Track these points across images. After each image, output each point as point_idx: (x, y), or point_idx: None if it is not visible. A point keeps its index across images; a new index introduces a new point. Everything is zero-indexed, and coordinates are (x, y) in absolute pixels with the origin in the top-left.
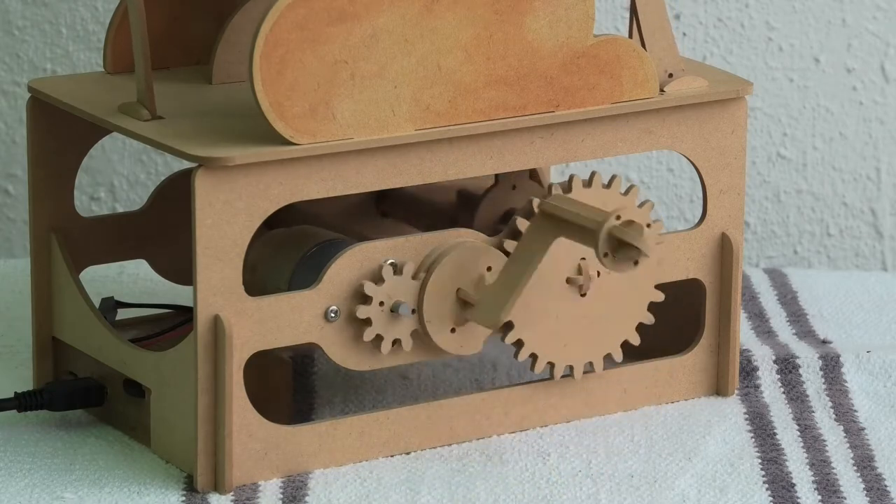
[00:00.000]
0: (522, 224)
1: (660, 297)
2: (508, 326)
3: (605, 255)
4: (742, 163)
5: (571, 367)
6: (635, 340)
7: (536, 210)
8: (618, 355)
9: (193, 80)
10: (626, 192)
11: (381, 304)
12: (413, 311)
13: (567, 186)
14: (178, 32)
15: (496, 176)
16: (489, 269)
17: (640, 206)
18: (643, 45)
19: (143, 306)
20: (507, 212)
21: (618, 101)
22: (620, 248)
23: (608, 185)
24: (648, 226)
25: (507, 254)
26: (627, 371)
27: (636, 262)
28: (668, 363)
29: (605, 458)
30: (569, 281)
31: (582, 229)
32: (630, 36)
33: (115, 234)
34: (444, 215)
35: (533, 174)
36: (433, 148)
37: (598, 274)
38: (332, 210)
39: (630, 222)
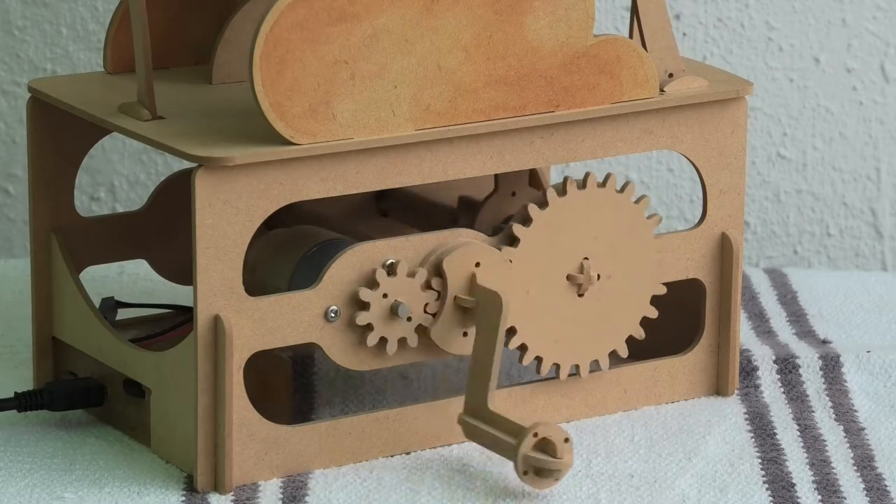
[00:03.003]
0: (519, 230)
1: (653, 312)
2: (511, 331)
3: (525, 473)
4: (742, 163)
5: (567, 365)
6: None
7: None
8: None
9: (193, 80)
10: (622, 190)
11: (381, 304)
12: (409, 319)
13: (561, 189)
14: (178, 32)
15: (496, 182)
16: (477, 264)
17: (637, 201)
18: (644, 44)
19: (143, 306)
20: (507, 218)
21: (618, 101)
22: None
23: (603, 184)
24: (566, 440)
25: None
26: (627, 371)
27: (557, 479)
28: (668, 363)
29: (605, 458)
30: (569, 279)
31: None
32: (630, 36)
33: (115, 234)
34: (445, 219)
35: (533, 175)
36: (433, 148)
37: (598, 277)
38: (332, 210)
39: (545, 440)
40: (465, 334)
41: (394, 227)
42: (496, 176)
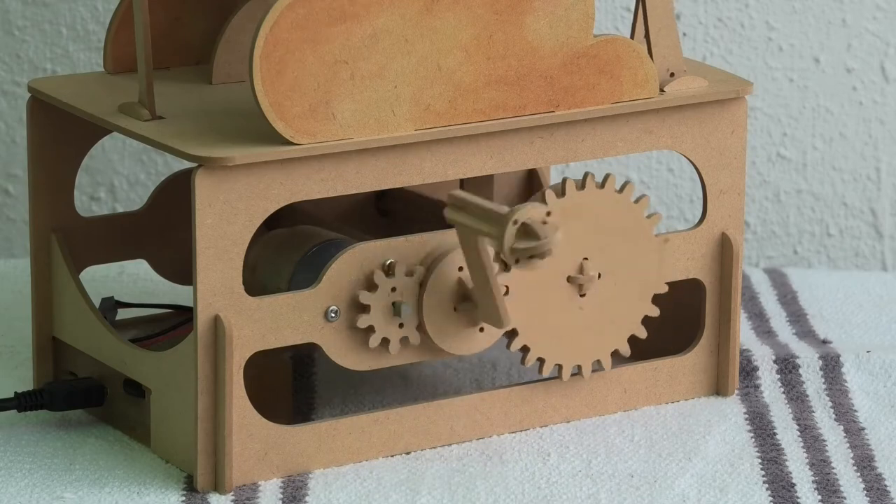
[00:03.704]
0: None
1: (655, 311)
2: (513, 333)
3: (517, 260)
4: (742, 163)
5: (569, 366)
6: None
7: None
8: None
9: (193, 80)
10: (621, 190)
11: (381, 304)
12: (412, 313)
13: (560, 190)
14: (178, 32)
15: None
16: (460, 269)
17: (637, 201)
18: (648, 41)
19: (143, 306)
20: None
21: (618, 101)
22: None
23: (601, 185)
24: (544, 222)
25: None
26: (627, 371)
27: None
28: (668, 363)
29: (605, 458)
30: (569, 280)
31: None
32: (631, 36)
33: (115, 234)
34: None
35: (532, 175)
36: (433, 148)
37: (599, 276)
38: (332, 210)
39: (525, 227)
40: (453, 330)
41: (394, 227)
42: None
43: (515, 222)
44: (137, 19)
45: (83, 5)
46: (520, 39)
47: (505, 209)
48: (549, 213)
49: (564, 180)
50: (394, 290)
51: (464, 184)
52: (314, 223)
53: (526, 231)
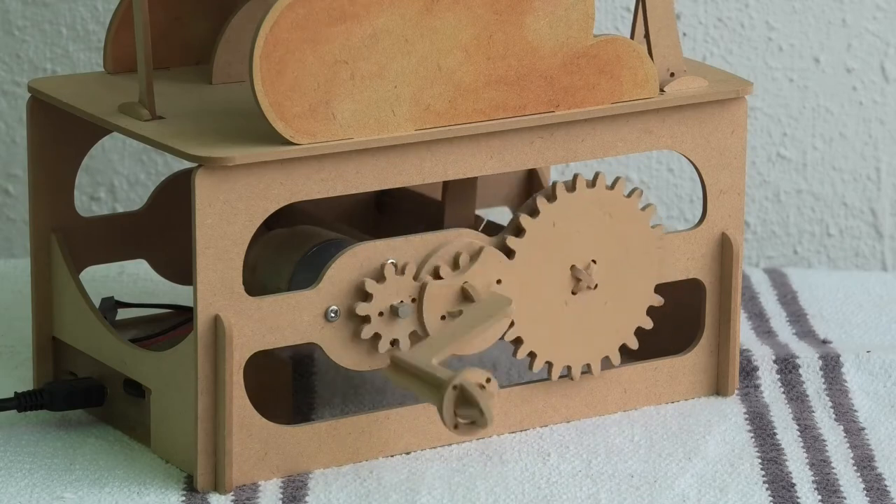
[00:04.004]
0: (526, 221)
1: (659, 300)
2: (518, 341)
3: (456, 427)
4: (742, 163)
5: (575, 367)
6: (647, 324)
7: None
8: (632, 344)
9: (193, 80)
10: (627, 192)
11: (381, 304)
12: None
13: (551, 194)
14: (178, 32)
15: (443, 196)
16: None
17: (643, 209)
18: (648, 41)
19: (143, 306)
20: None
21: (618, 101)
22: (466, 407)
23: (592, 184)
24: (482, 385)
25: (507, 252)
26: (627, 371)
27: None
28: (668, 363)
29: (605, 458)
30: (569, 280)
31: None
32: (631, 36)
33: (115, 234)
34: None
35: (533, 174)
36: (433, 148)
37: (595, 262)
38: (332, 210)
39: (479, 385)
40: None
41: (394, 227)
42: (444, 193)
43: (455, 388)
44: (137, 19)
45: (83, 5)
46: (520, 39)
47: (445, 374)
48: (487, 380)
49: (554, 184)
50: (394, 290)
51: (448, 186)
52: (314, 223)
53: (465, 397)
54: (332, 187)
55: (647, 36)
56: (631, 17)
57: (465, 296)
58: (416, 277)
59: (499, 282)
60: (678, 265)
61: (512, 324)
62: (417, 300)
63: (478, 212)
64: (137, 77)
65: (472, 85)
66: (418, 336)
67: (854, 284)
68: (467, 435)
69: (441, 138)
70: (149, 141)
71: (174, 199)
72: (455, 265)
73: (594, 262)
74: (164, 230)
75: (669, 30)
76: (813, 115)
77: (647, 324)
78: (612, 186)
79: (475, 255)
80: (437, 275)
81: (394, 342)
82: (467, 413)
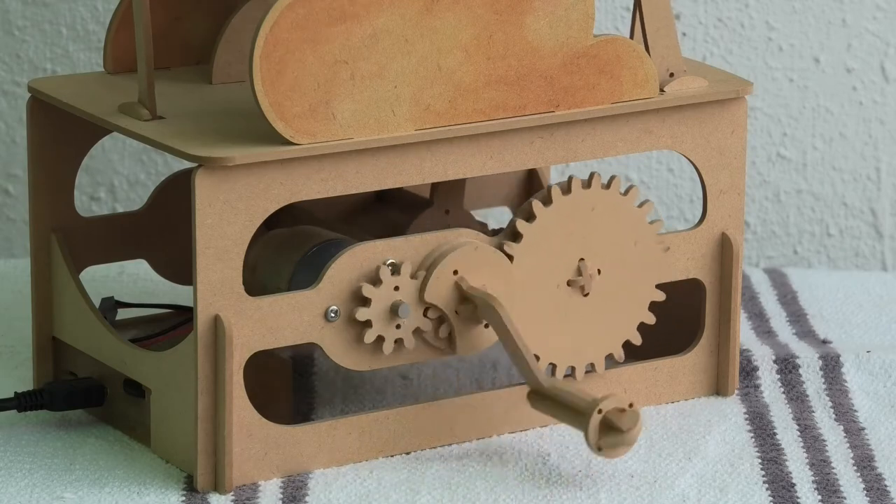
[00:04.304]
0: (522, 226)
1: (661, 296)
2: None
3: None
4: (742, 163)
5: (573, 368)
6: (637, 340)
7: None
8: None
9: (193, 80)
10: (623, 190)
11: (381, 304)
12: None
13: (546, 198)
14: (178, 32)
15: (431, 197)
16: (455, 272)
17: (640, 206)
18: (646, 42)
19: (143, 306)
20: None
21: (618, 101)
22: (608, 433)
23: (600, 185)
24: (623, 410)
25: (507, 255)
26: (627, 371)
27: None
28: (668, 363)
29: (605, 458)
30: (569, 283)
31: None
32: (631, 36)
33: (115, 234)
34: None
35: (533, 174)
36: (433, 148)
37: (599, 272)
38: (332, 210)
39: (620, 410)
40: (453, 330)
41: (394, 227)
42: (432, 192)
43: (600, 411)
44: (137, 19)
45: (83, 5)
46: (520, 39)
47: (588, 399)
48: (630, 405)
49: (549, 188)
50: (395, 289)
51: (435, 188)
52: (314, 223)
53: (607, 423)
54: (332, 187)
55: (644, 38)
56: (631, 16)
57: (464, 296)
58: (415, 277)
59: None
60: (678, 265)
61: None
62: (417, 300)
63: (478, 212)
64: (137, 77)
65: (472, 85)
66: (421, 333)
67: (854, 284)
68: (611, 456)
69: (441, 138)
70: (149, 141)
71: (174, 199)
72: (455, 265)
73: (594, 262)
74: (164, 230)
75: (667, 30)
76: (813, 115)
77: (650, 319)
78: (607, 185)
79: (474, 255)
80: (437, 274)
81: (394, 342)
82: (610, 439)
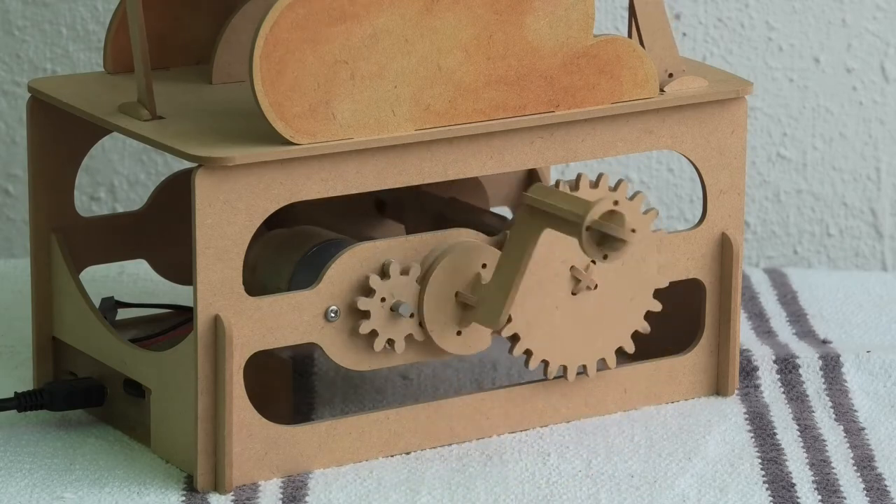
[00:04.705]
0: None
1: (657, 306)
2: (514, 338)
3: (591, 247)
4: (742, 163)
5: (571, 367)
6: (644, 328)
7: (521, 204)
8: (629, 348)
9: (193, 80)
10: (630, 195)
11: (382, 304)
12: (412, 315)
13: (574, 185)
14: (178, 32)
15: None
16: (484, 266)
17: (646, 213)
18: (642, 44)
19: (143, 306)
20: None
21: (618, 101)
22: (604, 239)
23: (595, 185)
24: (646, 212)
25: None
26: (627, 371)
27: (619, 248)
28: (668, 363)
29: (605, 458)
30: (570, 279)
31: (565, 222)
32: (630, 36)
33: (115, 234)
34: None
35: (532, 174)
36: (433, 148)
37: (595, 263)
38: (333, 210)
39: (611, 213)
40: (453, 331)
41: (394, 227)
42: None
43: (588, 229)
44: (132, 20)
45: (83, 5)
46: (520, 39)
47: (578, 212)
48: (616, 203)
49: (557, 183)
50: (395, 289)
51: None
52: (314, 223)
53: (605, 222)
54: (332, 187)
55: (640, 40)
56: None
57: (464, 297)
58: (415, 277)
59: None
60: (678, 265)
61: (510, 320)
62: (417, 300)
63: None
64: (135, 77)
65: (472, 85)
66: (414, 338)
67: (854, 284)
68: (618, 258)
69: (441, 138)
70: (149, 141)
71: (174, 199)
72: (454, 264)
73: (593, 262)
74: (164, 230)
75: (663, 31)
76: (813, 115)
77: (645, 328)
78: (614, 188)
79: (473, 255)
80: (436, 274)
81: (390, 342)
82: (609, 244)
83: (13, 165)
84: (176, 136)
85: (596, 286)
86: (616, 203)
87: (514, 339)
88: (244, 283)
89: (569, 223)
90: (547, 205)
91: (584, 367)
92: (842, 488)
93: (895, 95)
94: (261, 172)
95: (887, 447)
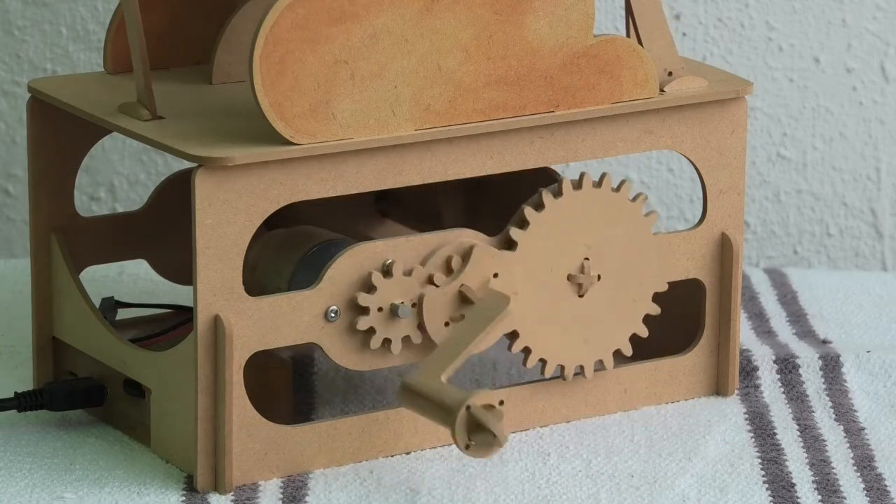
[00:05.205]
0: (530, 214)
1: (656, 310)
2: (514, 335)
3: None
4: (742, 163)
5: (571, 367)
6: (643, 332)
7: (399, 387)
8: (626, 350)
9: (193, 80)
10: (632, 196)
11: (381, 304)
12: (412, 308)
13: (557, 190)
14: (178, 32)
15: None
16: (496, 275)
17: (633, 199)
18: (640, 45)
19: (143, 306)
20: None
21: (618, 101)
22: (478, 431)
23: (598, 184)
24: (493, 406)
25: (510, 245)
26: (627, 371)
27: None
28: (668, 363)
29: (605, 458)
30: (570, 279)
31: (440, 409)
32: (628, 36)
33: (115, 234)
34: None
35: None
36: (433, 148)
37: (599, 278)
38: (332, 210)
39: (489, 406)
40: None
41: (394, 227)
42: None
43: (468, 409)
44: (129, 19)
45: (83, 5)
46: (520, 39)
47: (454, 399)
48: (500, 402)
49: (561, 180)
50: (395, 289)
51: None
52: (314, 223)
53: (475, 421)
54: (332, 187)
55: (638, 40)
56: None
57: (464, 297)
58: (415, 277)
59: (496, 275)
60: (678, 265)
61: (517, 335)
62: (417, 300)
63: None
64: (134, 77)
65: (472, 85)
66: (411, 341)
67: (854, 284)
68: (481, 455)
69: (441, 138)
70: (149, 141)
71: (174, 199)
72: (455, 265)
73: (592, 261)
74: (164, 230)
75: (661, 31)
76: (813, 115)
77: (643, 332)
78: (617, 189)
79: (473, 256)
80: (437, 274)
81: (385, 342)
82: (480, 437)
83: (13, 165)
84: (176, 136)
85: (583, 295)
86: (501, 403)
87: (514, 335)
88: (244, 283)
89: (445, 407)
90: (427, 387)
91: (582, 367)
92: (842, 488)
93: (895, 95)
94: (261, 172)
95: (887, 447)
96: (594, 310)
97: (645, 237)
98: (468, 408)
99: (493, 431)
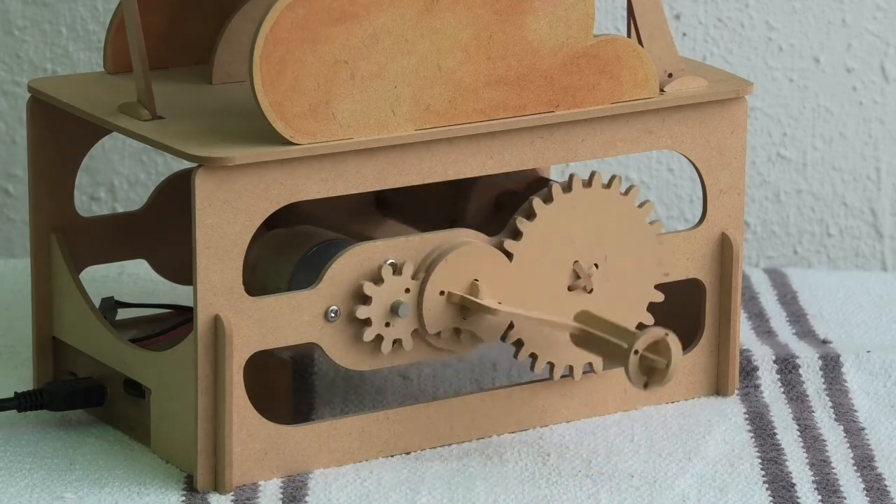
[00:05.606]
0: (522, 224)
1: (659, 297)
2: (518, 343)
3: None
4: (742, 163)
5: (571, 368)
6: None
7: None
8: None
9: (193, 80)
10: (623, 190)
11: (381, 304)
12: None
13: (567, 186)
14: (178, 32)
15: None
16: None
17: (640, 206)
18: (641, 45)
19: (143, 306)
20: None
21: (618, 100)
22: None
23: (588, 183)
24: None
25: (507, 254)
26: None
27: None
28: None
29: (605, 458)
30: (571, 279)
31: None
32: (629, 36)
33: (115, 234)
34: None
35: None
36: (433, 148)
37: (596, 266)
38: (332, 210)
39: (654, 344)
40: (453, 330)
41: (394, 227)
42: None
43: (636, 352)
44: (129, 20)
45: (83, 5)
46: (520, 39)
47: (626, 340)
48: (666, 334)
49: (550, 185)
50: (394, 289)
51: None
52: (314, 223)
53: (645, 363)
54: (332, 187)
55: (638, 41)
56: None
57: (464, 297)
58: (415, 277)
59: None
60: (678, 265)
61: (511, 326)
62: (417, 300)
63: None
64: (134, 77)
65: (472, 85)
66: (420, 333)
67: (854, 284)
68: (660, 384)
69: (441, 138)
70: (149, 141)
71: (174, 199)
72: (454, 265)
73: (593, 262)
74: (164, 230)
75: (661, 32)
76: (813, 115)
77: (648, 320)
78: (608, 185)
79: (473, 255)
80: (436, 274)
81: (394, 342)
82: (655, 375)
83: (13, 165)
84: (176, 136)
85: (591, 290)
86: (667, 335)
87: (518, 344)
88: (244, 283)
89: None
90: (596, 329)
91: (591, 364)
92: (842, 488)
93: (895, 95)
94: (261, 172)
95: (887, 447)
96: (597, 309)
97: (640, 226)
98: (636, 352)
99: (666, 371)
